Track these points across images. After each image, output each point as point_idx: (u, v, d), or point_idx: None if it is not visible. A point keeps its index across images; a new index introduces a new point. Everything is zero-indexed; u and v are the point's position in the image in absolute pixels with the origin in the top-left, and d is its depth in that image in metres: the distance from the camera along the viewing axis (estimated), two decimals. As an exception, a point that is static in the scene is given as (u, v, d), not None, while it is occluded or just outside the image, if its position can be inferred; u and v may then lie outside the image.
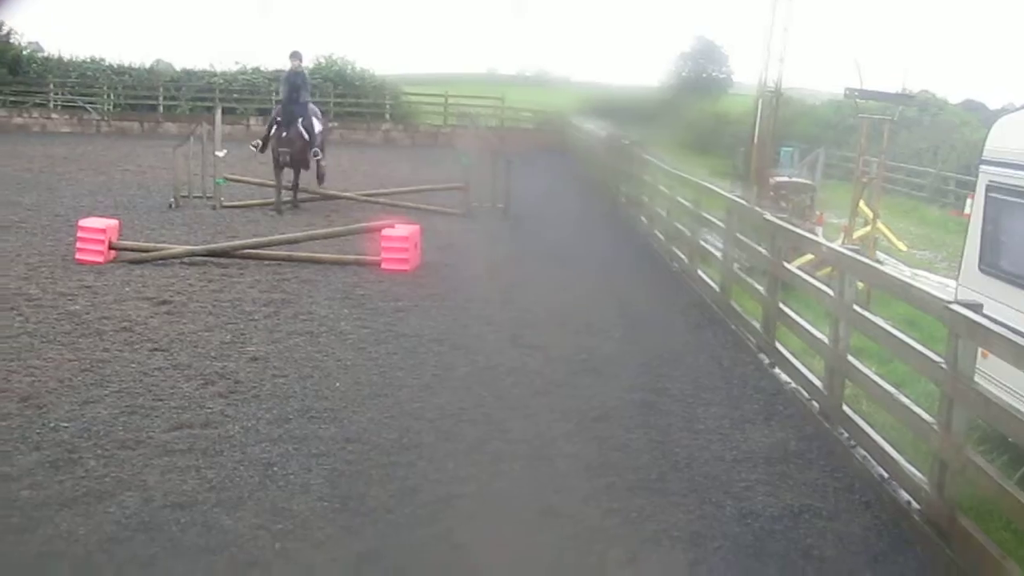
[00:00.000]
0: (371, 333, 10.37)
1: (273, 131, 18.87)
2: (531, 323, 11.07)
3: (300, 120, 18.84)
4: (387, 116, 42.77)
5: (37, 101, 43.31)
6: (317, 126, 19.41)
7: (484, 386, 8.69)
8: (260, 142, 19.50)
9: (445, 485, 6.48)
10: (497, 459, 6.97)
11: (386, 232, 14.12)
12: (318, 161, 19.78)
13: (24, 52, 46.03)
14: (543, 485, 6.55)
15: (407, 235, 14.12)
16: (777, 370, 9.46)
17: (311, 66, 45.79)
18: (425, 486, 6.44)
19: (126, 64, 44.06)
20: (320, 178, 20.23)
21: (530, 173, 26.20)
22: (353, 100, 42.33)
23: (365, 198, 19.88)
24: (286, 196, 19.01)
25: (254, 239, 15.01)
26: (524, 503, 6.24)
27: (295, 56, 19.16)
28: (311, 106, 19.56)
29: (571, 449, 7.26)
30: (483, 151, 21.62)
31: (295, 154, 18.74)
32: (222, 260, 13.80)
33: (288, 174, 18.96)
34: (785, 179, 20.50)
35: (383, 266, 13.78)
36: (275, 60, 41.45)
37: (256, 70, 43.71)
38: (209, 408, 7.79)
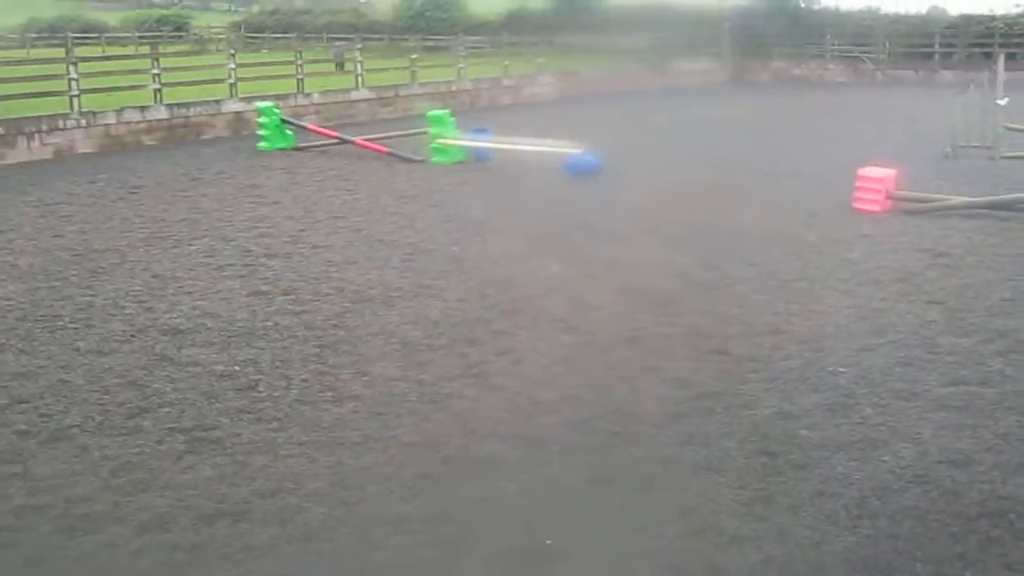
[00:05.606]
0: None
1: None
2: None
3: None
4: None
5: (814, 52, 45.16)
6: None
7: None
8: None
9: None
10: None
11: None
12: None
13: (801, 5, 48.31)
14: None
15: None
16: None
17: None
18: None
19: (902, 12, 44.12)
20: None
21: None
22: None
23: None
24: None
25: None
26: None
27: None
28: None
29: None
30: None
31: None
32: (1001, 213, 13.21)
33: None
34: None
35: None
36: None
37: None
38: (988, 366, 7.55)
